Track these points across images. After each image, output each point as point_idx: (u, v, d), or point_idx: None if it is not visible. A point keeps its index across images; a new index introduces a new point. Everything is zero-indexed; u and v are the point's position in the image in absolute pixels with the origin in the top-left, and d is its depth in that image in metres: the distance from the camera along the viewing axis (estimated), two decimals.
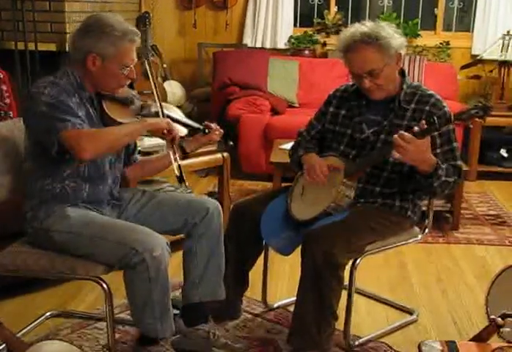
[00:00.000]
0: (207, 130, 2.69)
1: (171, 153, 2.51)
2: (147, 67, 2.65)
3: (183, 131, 2.66)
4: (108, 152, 2.45)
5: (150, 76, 2.66)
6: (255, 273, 2.97)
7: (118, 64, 2.43)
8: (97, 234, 2.37)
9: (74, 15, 4.75)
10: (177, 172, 2.50)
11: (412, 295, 3.30)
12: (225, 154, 3.79)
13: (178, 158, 2.52)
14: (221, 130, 2.72)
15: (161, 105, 2.58)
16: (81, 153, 2.27)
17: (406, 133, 2.34)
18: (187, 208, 2.62)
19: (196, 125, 2.71)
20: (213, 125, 2.70)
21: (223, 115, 5.31)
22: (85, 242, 2.38)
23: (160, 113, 2.56)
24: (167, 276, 2.38)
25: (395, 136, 2.35)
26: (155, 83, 2.66)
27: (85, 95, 2.46)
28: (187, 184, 2.52)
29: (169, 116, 2.62)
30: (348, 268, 2.55)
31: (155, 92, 2.60)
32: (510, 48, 5.51)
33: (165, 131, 2.48)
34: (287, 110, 5.61)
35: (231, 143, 2.82)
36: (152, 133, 2.55)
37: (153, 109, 2.58)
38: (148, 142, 3.38)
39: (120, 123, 2.49)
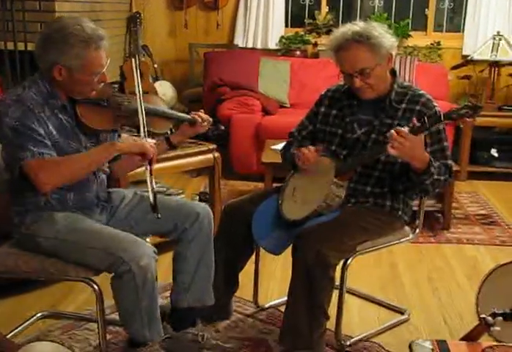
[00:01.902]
0: (193, 121, 2.63)
1: (147, 179, 2.38)
2: (133, 64, 2.53)
3: (168, 126, 2.62)
4: (72, 181, 2.36)
5: (135, 72, 2.52)
6: (246, 274, 2.96)
7: (86, 73, 2.33)
8: (82, 241, 2.34)
9: (64, 15, 4.73)
10: (151, 200, 2.37)
11: (403, 294, 3.31)
12: (216, 154, 3.78)
13: (154, 185, 2.40)
14: (209, 118, 2.68)
15: (141, 100, 2.45)
16: (40, 186, 2.24)
17: (402, 129, 2.34)
18: (178, 213, 2.60)
19: (181, 115, 2.65)
20: (201, 113, 2.65)
21: (214, 115, 5.30)
22: (71, 248, 2.35)
23: (139, 110, 2.44)
24: (154, 284, 2.35)
25: (392, 130, 2.36)
26: (137, 80, 2.50)
27: (57, 104, 2.38)
28: (159, 215, 2.40)
29: (152, 111, 2.56)
30: (339, 267, 2.55)
31: (136, 88, 2.47)
32: (500, 48, 5.53)
33: (140, 154, 2.39)
34: (279, 110, 5.62)
35: (222, 127, 2.77)
36: (126, 154, 2.47)
37: (134, 106, 2.47)
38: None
39: (96, 130, 2.44)
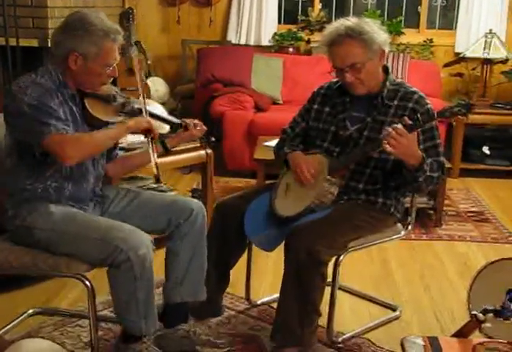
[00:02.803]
0: (188, 126, 2.66)
1: (150, 152, 2.48)
2: (134, 63, 2.62)
3: (164, 128, 2.65)
4: (92, 156, 2.47)
5: (137, 73, 2.63)
6: (239, 270, 2.97)
7: (100, 63, 2.41)
8: (80, 232, 2.35)
9: (56, 11, 4.72)
10: (155, 171, 2.47)
11: (395, 291, 3.32)
12: (209, 151, 3.77)
13: (156, 157, 2.49)
14: (204, 127, 2.70)
15: (144, 102, 2.55)
16: (64, 159, 2.28)
17: (400, 126, 2.35)
18: (171, 208, 2.60)
19: (177, 121, 2.69)
20: (189, 121, 2.67)
21: (207, 112, 5.30)
22: (68, 240, 2.36)
23: (143, 110, 2.54)
24: (152, 273, 2.37)
25: (389, 128, 2.36)
26: (141, 80, 2.64)
27: (67, 93, 2.44)
28: (163, 183, 2.50)
29: (151, 113, 2.60)
30: (331, 264, 2.56)
31: (140, 89, 2.58)
32: (492, 46, 5.55)
33: (145, 130, 2.47)
34: (271, 107, 5.61)
35: (213, 139, 2.80)
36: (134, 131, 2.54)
37: (136, 106, 2.55)
38: (131, 139, 3.37)
39: (103, 121, 2.47)
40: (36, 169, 2.42)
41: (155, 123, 2.53)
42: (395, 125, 2.37)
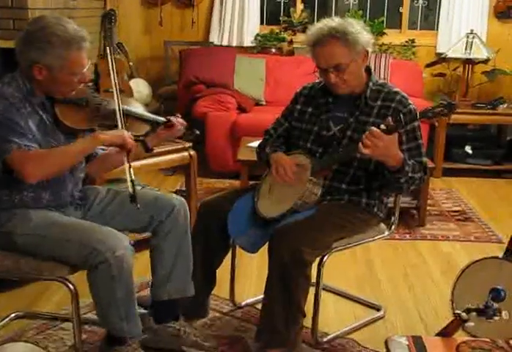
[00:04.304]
0: (169, 124, 2.64)
1: (126, 169, 2.41)
2: (110, 62, 2.55)
3: (145, 128, 2.62)
4: (57, 173, 2.37)
5: (111, 72, 2.57)
6: (223, 272, 2.96)
7: (67, 73, 2.34)
8: (60, 235, 2.34)
9: (37, 12, 4.67)
10: (130, 190, 2.39)
11: (379, 291, 3.33)
12: (192, 152, 3.77)
13: (133, 174, 2.42)
14: (184, 122, 2.68)
15: (119, 102, 2.49)
16: (25, 177, 2.24)
17: (376, 129, 2.35)
18: (153, 205, 2.60)
19: (158, 119, 2.65)
20: (173, 118, 2.66)
21: (189, 113, 5.29)
22: (48, 244, 2.35)
23: (118, 110, 2.48)
24: (131, 275, 2.36)
25: (366, 132, 2.36)
26: (115, 79, 2.55)
27: (36, 101, 2.39)
28: (138, 206, 2.41)
29: (129, 112, 2.57)
30: (315, 265, 2.56)
31: (114, 88, 2.51)
32: (474, 46, 5.58)
33: (121, 146, 2.42)
34: (254, 108, 5.62)
35: (197, 132, 2.78)
36: (107, 146, 2.48)
37: (112, 107, 2.50)
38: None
39: (75, 129, 2.44)
40: (10, 182, 2.37)
41: (129, 134, 2.45)
42: (372, 128, 2.37)
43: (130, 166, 2.42)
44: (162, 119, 2.66)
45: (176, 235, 2.61)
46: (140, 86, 5.82)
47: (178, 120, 2.68)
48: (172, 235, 2.60)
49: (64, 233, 2.34)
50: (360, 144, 2.37)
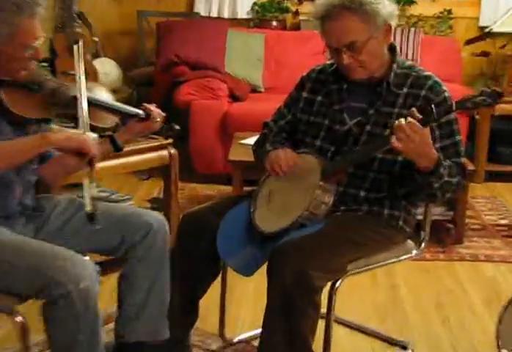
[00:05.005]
0: (143, 115, 2.65)
1: (84, 183, 2.36)
2: (74, 42, 2.55)
3: (112, 121, 2.63)
4: None
5: (75, 51, 2.56)
6: (211, 300, 2.98)
7: (17, 45, 2.34)
8: (7, 259, 2.29)
9: None
10: (88, 207, 2.35)
11: (406, 324, 3.35)
12: (172, 150, 3.78)
13: (94, 189, 2.38)
14: (162, 113, 2.69)
15: (82, 87, 2.47)
16: None
17: (414, 120, 2.35)
18: (125, 224, 2.59)
19: (130, 110, 2.66)
20: (153, 107, 2.67)
21: (169, 102, 5.31)
22: None
23: (80, 97, 2.46)
24: (97, 310, 2.33)
25: (401, 119, 2.37)
26: (78, 60, 2.52)
27: None
28: (98, 227, 2.38)
29: (93, 101, 2.57)
30: (325, 291, 2.56)
31: (77, 69, 2.50)
32: None
33: (78, 151, 2.37)
34: (250, 95, 5.64)
35: (177, 127, 2.78)
36: (60, 150, 2.46)
37: (72, 94, 2.49)
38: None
39: (24, 118, 2.44)
40: None
41: (93, 137, 2.44)
42: (408, 118, 2.37)
43: (91, 179, 2.38)
44: (134, 109, 2.67)
45: (152, 261, 2.61)
46: (107, 68, 5.84)
47: (154, 111, 2.68)
48: (145, 263, 2.60)
49: (13, 257, 2.30)
50: (392, 138, 2.37)
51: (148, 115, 2.66)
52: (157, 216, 2.67)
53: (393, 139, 2.37)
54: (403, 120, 2.36)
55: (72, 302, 2.24)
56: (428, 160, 2.46)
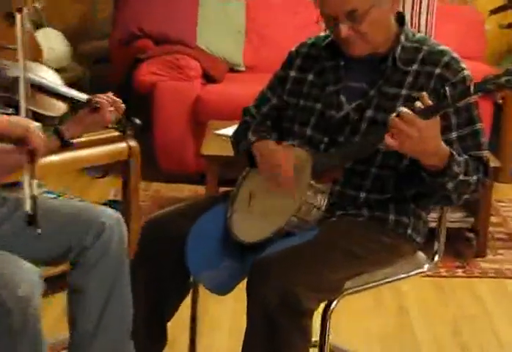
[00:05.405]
0: (96, 105, 2.65)
1: (25, 180, 2.32)
2: (17, 9, 2.56)
3: (59, 108, 2.63)
4: None
5: (18, 21, 2.58)
6: (179, 323, 2.98)
7: None
8: None
9: None
10: (28, 207, 2.30)
11: None
12: (133, 143, 3.77)
13: (35, 188, 2.33)
14: (121, 104, 2.70)
15: (24, 66, 2.45)
16: None
17: (406, 111, 2.35)
18: (72, 224, 2.61)
19: (82, 96, 2.67)
20: (105, 96, 2.68)
21: (128, 83, 5.31)
22: None
23: (21, 80, 2.44)
24: (39, 323, 2.33)
25: (393, 115, 2.36)
26: (22, 34, 2.57)
27: None
28: (39, 231, 2.39)
29: (37, 84, 2.58)
30: (318, 314, 2.57)
31: (19, 45, 2.49)
32: None
33: (20, 139, 2.31)
34: (228, 76, 5.65)
35: (138, 121, 2.79)
36: None
37: (11, 74, 2.50)
38: None
39: None
40: None
41: (37, 126, 2.39)
42: (402, 109, 2.36)
43: (33, 175, 2.34)
44: (86, 96, 2.67)
45: (107, 268, 2.61)
46: (52, 41, 5.82)
47: (110, 100, 2.68)
48: (100, 269, 2.60)
49: None
50: (387, 133, 2.37)
51: (100, 104, 2.65)
52: (112, 214, 2.68)
53: (387, 136, 2.35)
54: (394, 115, 2.36)
55: (7, 314, 2.24)
56: (437, 158, 2.44)
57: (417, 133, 2.33)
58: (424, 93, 2.37)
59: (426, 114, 2.35)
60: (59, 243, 2.60)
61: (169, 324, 2.89)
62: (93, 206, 2.86)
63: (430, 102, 2.34)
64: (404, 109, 2.34)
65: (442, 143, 2.45)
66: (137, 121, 2.77)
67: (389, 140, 2.35)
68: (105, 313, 2.63)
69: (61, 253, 2.62)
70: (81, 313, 2.63)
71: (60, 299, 2.61)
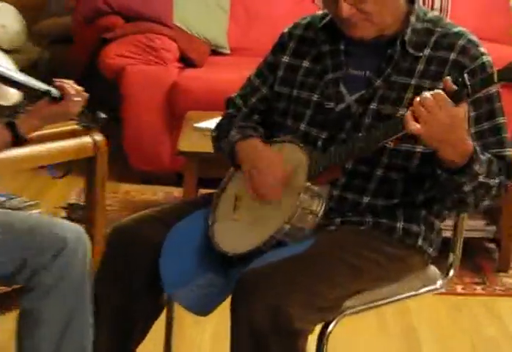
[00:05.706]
0: (58, 94, 2.67)
1: None
2: None
3: (11, 97, 2.64)
4: None
5: None
6: (150, 348, 2.99)
7: None
8: None
9: None
10: (43, 87, 2.42)
11: None
12: (98, 137, 3.78)
13: None
14: (84, 93, 2.71)
15: None
16: None
17: (440, 91, 2.33)
18: (28, 240, 2.60)
19: (39, 85, 2.67)
20: (68, 85, 2.69)
21: (93, 66, 5.31)
22: None
23: None
24: None
25: (423, 95, 2.35)
26: None
27: None
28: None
29: None
30: (314, 337, 2.58)
31: None
32: None
33: None
34: (210, 59, 5.66)
35: (102, 115, 2.79)
36: None
37: None
38: None
39: None
40: None
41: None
42: (437, 91, 2.34)
43: None
44: (45, 85, 2.68)
45: (66, 292, 2.61)
46: (4, 18, 5.82)
47: (72, 90, 2.68)
48: (58, 293, 2.60)
49: None
50: (409, 114, 2.35)
51: (61, 95, 2.66)
52: (74, 228, 2.68)
53: (408, 117, 2.34)
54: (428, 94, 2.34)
55: None
56: (459, 152, 2.43)
57: (449, 120, 2.33)
58: (448, 77, 2.36)
59: (459, 98, 2.33)
60: (10, 262, 2.59)
61: (138, 350, 2.89)
62: (53, 219, 2.85)
63: (455, 86, 2.34)
64: (437, 90, 2.34)
65: (468, 137, 2.44)
66: (102, 115, 2.77)
67: (411, 123, 2.34)
68: (63, 343, 2.63)
69: (12, 272, 2.60)
70: (36, 342, 2.63)
71: (6, 320, 2.60)
